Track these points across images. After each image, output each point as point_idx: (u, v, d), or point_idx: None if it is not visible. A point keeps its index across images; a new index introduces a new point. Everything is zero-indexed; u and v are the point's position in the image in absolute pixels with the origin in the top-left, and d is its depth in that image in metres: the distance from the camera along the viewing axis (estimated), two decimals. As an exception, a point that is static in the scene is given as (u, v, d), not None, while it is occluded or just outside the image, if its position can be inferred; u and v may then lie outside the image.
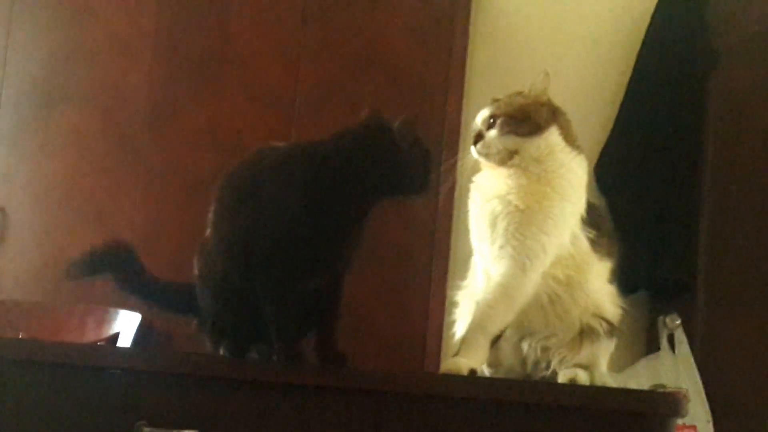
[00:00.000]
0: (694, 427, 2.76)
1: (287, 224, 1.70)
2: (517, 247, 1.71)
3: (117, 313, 2.62)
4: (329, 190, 1.69)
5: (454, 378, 1.73)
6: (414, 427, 1.66)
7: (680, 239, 2.95)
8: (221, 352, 1.81)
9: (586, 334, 1.79)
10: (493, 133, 1.77)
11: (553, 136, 1.77)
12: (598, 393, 1.67)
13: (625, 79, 3.09)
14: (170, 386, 1.73)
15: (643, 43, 3.13)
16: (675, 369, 2.87)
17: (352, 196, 1.71)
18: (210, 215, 1.85)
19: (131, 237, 2.85)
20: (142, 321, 2.65)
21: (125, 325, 2.61)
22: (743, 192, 2.90)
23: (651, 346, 2.98)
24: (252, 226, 1.73)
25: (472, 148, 1.79)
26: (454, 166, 1.85)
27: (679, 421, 1.70)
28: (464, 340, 1.73)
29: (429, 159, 1.76)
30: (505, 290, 1.72)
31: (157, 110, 2.92)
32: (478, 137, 1.79)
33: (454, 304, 1.96)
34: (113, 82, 2.94)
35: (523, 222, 1.72)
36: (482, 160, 1.79)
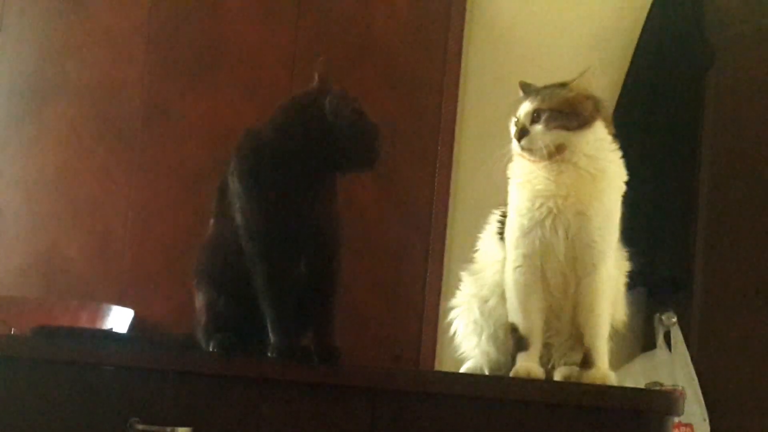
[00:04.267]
0: (690, 425, 2.76)
1: (250, 210, 1.70)
2: (590, 253, 1.71)
3: (110, 309, 2.61)
4: (271, 170, 1.69)
5: (448, 375, 1.72)
6: (409, 425, 1.65)
7: (677, 236, 2.94)
8: (214, 349, 1.79)
9: None
10: (538, 127, 1.71)
11: (599, 129, 1.74)
12: (594, 391, 1.66)
13: (622, 75, 3.08)
14: (163, 383, 1.73)
15: (640, 40, 3.12)
16: (671, 367, 2.86)
17: (294, 174, 1.70)
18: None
19: (124, 232, 2.84)
20: (134, 316, 2.64)
21: (118, 320, 2.60)
22: (740, 189, 2.90)
23: (647, 344, 2.97)
24: (232, 216, 1.74)
25: (515, 142, 1.73)
26: (508, 159, 1.80)
27: (676, 419, 1.69)
28: (593, 349, 1.72)
29: (370, 133, 1.73)
30: (605, 295, 1.73)
31: (150, 105, 2.91)
32: (523, 132, 1.72)
33: (456, 303, 1.94)
34: (106, 77, 2.93)
35: (589, 226, 1.71)
36: (525, 156, 1.73)
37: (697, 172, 3.00)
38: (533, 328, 1.74)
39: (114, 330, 2.54)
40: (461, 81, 2.99)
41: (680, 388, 2.78)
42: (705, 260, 2.95)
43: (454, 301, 1.95)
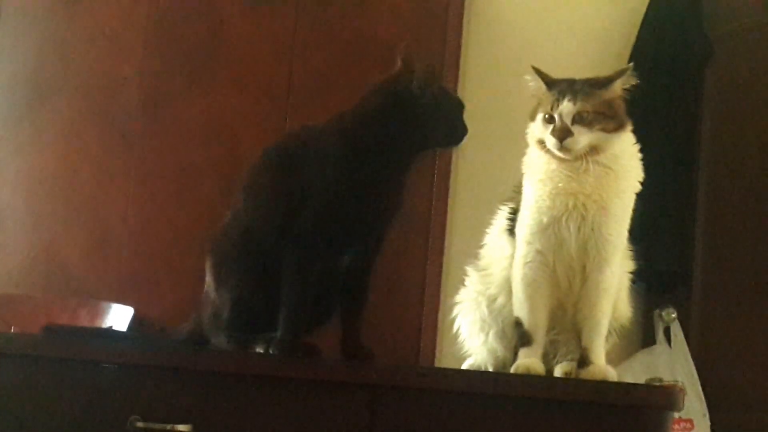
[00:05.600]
0: (690, 420, 2.76)
1: (330, 196, 1.71)
2: (606, 248, 1.73)
3: (109, 307, 2.60)
4: (363, 158, 1.71)
5: (448, 372, 1.72)
6: (408, 421, 1.65)
7: (676, 232, 2.94)
8: (224, 343, 1.78)
9: None
10: (582, 129, 1.71)
11: (629, 131, 1.77)
12: (594, 387, 1.66)
13: (621, 70, 3.08)
14: (164, 381, 1.73)
15: (638, 34, 3.12)
16: (671, 362, 2.86)
17: (384, 158, 1.72)
18: (241, 195, 1.83)
19: (123, 230, 2.83)
20: (134, 314, 2.64)
21: (118, 318, 2.59)
22: (739, 184, 2.90)
23: (647, 340, 2.97)
24: (296, 201, 1.72)
25: (555, 142, 1.71)
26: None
27: (676, 415, 1.69)
28: (590, 348, 1.73)
29: (457, 108, 1.79)
30: (609, 293, 1.75)
31: (149, 102, 2.90)
32: (566, 132, 1.71)
33: (460, 298, 1.94)
34: (105, 75, 2.92)
35: (609, 221, 1.73)
36: (560, 155, 1.72)
37: (696, 166, 3.00)
38: (538, 324, 1.74)
39: (114, 328, 2.54)
40: (460, 78, 2.98)
41: (680, 383, 2.78)
42: (704, 255, 2.94)
43: (458, 297, 1.95)
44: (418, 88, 1.73)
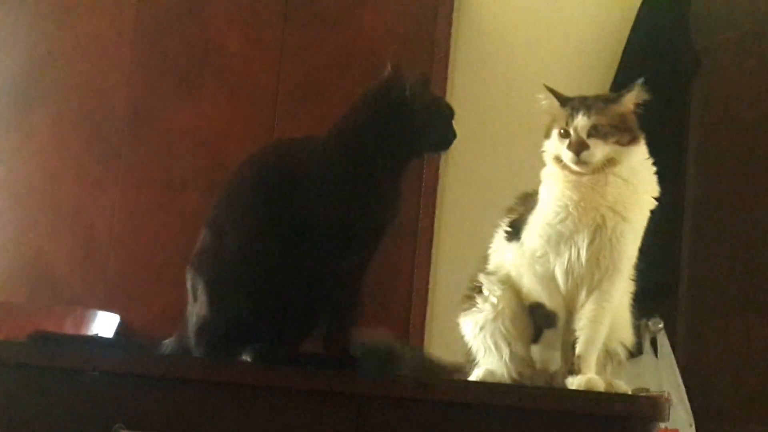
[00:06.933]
0: (676, 430, 2.75)
1: (333, 204, 1.71)
2: (622, 260, 1.76)
3: (95, 314, 2.60)
4: (359, 166, 1.72)
5: (435, 381, 1.72)
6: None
7: (663, 242, 2.95)
8: (204, 354, 1.77)
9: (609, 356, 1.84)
10: (598, 142, 1.73)
11: (643, 144, 1.80)
12: (581, 397, 1.66)
13: (609, 80, 3.09)
14: (149, 389, 1.72)
15: (626, 46, 3.13)
16: (657, 372, 2.86)
17: (381, 164, 1.73)
18: (222, 212, 1.80)
19: (109, 238, 2.83)
20: (120, 322, 2.63)
21: (103, 325, 2.59)
22: (726, 195, 2.91)
23: (633, 350, 2.97)
24: (296, 213, 1.72)
25: (572, 156, 1.73)
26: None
27: (662, 425, 1.69)
28: (583, 357, 1.73)
29: (449, 114, 1.80)
30: (613, 306, 1.76)
31: (136, 110, 2.90)
32: (582, 146, 1.73)
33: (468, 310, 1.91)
34: (92, 83, 2.92)
35: (627, 233, 1.76)
36: (577, 169, 1.74)
37: (683, 178, 3.01)
38: (560, 303, 1.76)
39: (100, 336, 2.53)
40: (448, 84, 2.99)
41: (666, 393, 2.77)
42: (691, 266, 2.95)
43: (478, 306, 1.90)
44: (411, 93, 1.74)
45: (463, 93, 3.04)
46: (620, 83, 3.08)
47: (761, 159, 2.89)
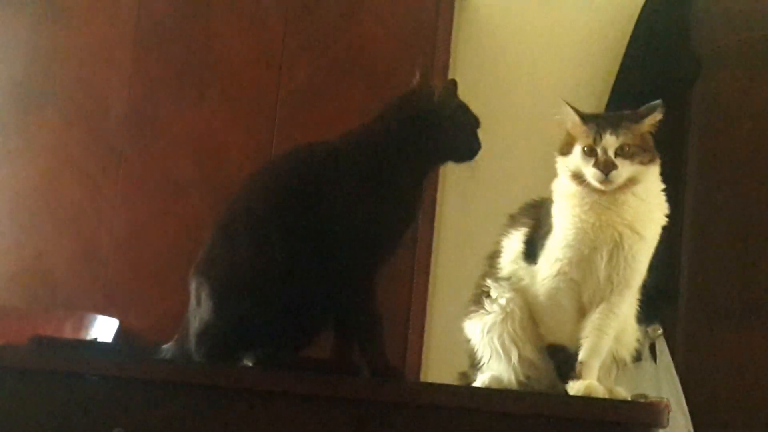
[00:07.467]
0: (675, 436, 2.76)
1: (359, 212, 1.72)
2: (634, 275, 1.78)
3: (95, 319, 2.60)
4: (386, 173, 1.74)
5: (433, 386, 1.72)
6: (395, 437, 1.65)
7: (662, 248, 2.94)
8: (204, 358, 1.77)
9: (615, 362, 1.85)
10: (625, 162, 1.74)
11: (658, 164, 1.81)
12: (580, 403, 1.66)
13: (608, 87, 3.09)
14: (148, 393, 1.72)
15: (626, 52, 3.13)
16: (656, 379, 2.86)
17: (407, 171, 1.75)
18: (237, 217, 1.79)
19: (109, 242, 2.83)
20: (119, 327, 2.63)
21: (103, 330, 2.59)
22: (725, 202, 2.91)
23: (632, 356, 2.97)
24: (319, 220, 1.72)
25: (599, 175, 1.73)
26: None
27: (660, 431, 1.70)
28: (586, 364, 1.74)
29: (475, 124, 1.83)
30: (620, 317, 1.79)
31: (137, 114, 2.90)
32: (610, 165, 1.73)
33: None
34: (93, 86, 2.92)
35: (642, 250, 1.78)
36: (601, 188, 1.74)
37: (682, 184, 3.01)
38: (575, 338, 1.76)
39: (99, 340, 2.53)
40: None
41: (665, 399, 2.77)
42: (690, 272, 2.95)
43: (485, 308, 1.90)
44: (439, 101, 1.75)
45: (464, 97, 3.02)
46: (620, 90, 3.08)
47: (762, 165, 2.89)
